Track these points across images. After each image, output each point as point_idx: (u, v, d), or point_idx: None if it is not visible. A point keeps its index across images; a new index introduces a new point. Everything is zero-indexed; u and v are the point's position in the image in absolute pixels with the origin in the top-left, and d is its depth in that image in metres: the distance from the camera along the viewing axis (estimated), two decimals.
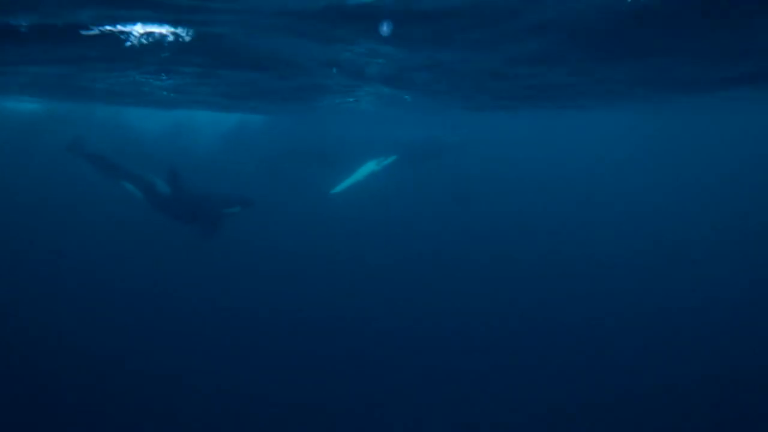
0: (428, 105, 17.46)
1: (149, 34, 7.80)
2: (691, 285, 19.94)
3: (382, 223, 25.59)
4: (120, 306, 16.10)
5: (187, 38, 7.99)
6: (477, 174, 30.40)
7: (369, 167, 23.48)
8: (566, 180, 33.77)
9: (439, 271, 21.09)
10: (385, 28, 6.69)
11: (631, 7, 6.01)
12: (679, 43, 8.28)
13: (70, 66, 11.45)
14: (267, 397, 13.09)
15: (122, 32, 7.57)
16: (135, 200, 13.84)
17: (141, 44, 8.31)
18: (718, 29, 7.28)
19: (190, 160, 21.57)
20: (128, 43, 8.19)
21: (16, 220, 20.17)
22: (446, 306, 18.18)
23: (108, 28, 7.30)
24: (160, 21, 7.12)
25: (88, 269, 17.99)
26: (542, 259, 23.05)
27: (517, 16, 6.34)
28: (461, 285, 19.82)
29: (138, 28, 7.48)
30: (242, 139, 27.23)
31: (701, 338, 15.46)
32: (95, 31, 7.39)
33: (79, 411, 11.73)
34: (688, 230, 27.17)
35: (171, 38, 8.04)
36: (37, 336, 13.57)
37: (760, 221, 26.85)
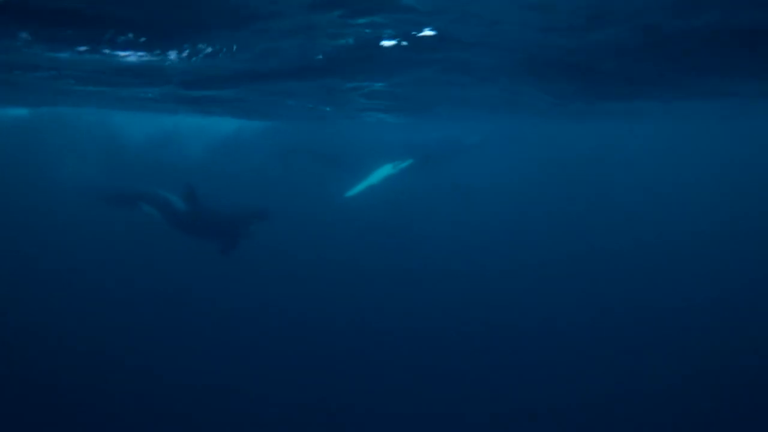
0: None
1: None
2: (694, 285, 19.47)
3: (388, 226, 25.53)
4: (122, 306, 16.24)
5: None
6: (481, 175, 30.25)
7: (385, 170, 23.39)
8: (570, 182, 33.60)
9: (443, 272, 20.90)
10: None
11: None
12: None
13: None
14: (268, 397, 13.06)
15: None
16: (154, 221, 13.92)
17: None
18: None
19: (188, 166, 21.84)
20: None
21: (14, 221, 20.57)
22: (450, 307, 18.01)
23: None
24: None
25: (85, 270, 18.26)
26: (544, 260, 22.72)
27: None
28: (466, 286, 19.61)
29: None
30: (249, 143, 27.42)
31: (702, 338, 15.08)
32: None
33: (81, 411, 11.86)
34: (689, 231, 26.60)
35: None
36: (39, 336, 13.79)
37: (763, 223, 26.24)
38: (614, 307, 17.81)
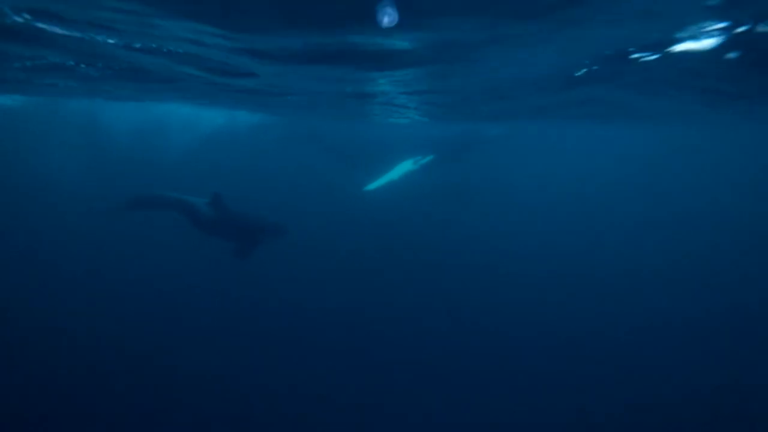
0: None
1: None
2: (709, 294, 19.11)
3: (403, 222, 25.27)
4: (140, 304, 16.24)
5: None
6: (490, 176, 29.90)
7: (406, 166, 23.16)
8: (587, 189, 33.11)
9: (461, 274, 20.54)
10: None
11: None
12: None
13: None
14: (276, 396, 12.90)
15: None
16: (180, 221, 14.07)
17: None
18: None
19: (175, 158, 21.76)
20: None
21: (18, 217, 20.76)
22: (469, 308, 17.77)
23: None
24: None
25: (75, 260, 18.30)
26: (560, 267, 22.29)
27: None
28: (484, 288, 19.29)
29: None
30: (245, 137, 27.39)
31: (716, 347, 14.71)
32: None
33: (85, 412, 11.85)
34: (705, 240, 25.98)
35: None
36: (56, 336, 13.89)
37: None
38: (633, 315, 17.45)
